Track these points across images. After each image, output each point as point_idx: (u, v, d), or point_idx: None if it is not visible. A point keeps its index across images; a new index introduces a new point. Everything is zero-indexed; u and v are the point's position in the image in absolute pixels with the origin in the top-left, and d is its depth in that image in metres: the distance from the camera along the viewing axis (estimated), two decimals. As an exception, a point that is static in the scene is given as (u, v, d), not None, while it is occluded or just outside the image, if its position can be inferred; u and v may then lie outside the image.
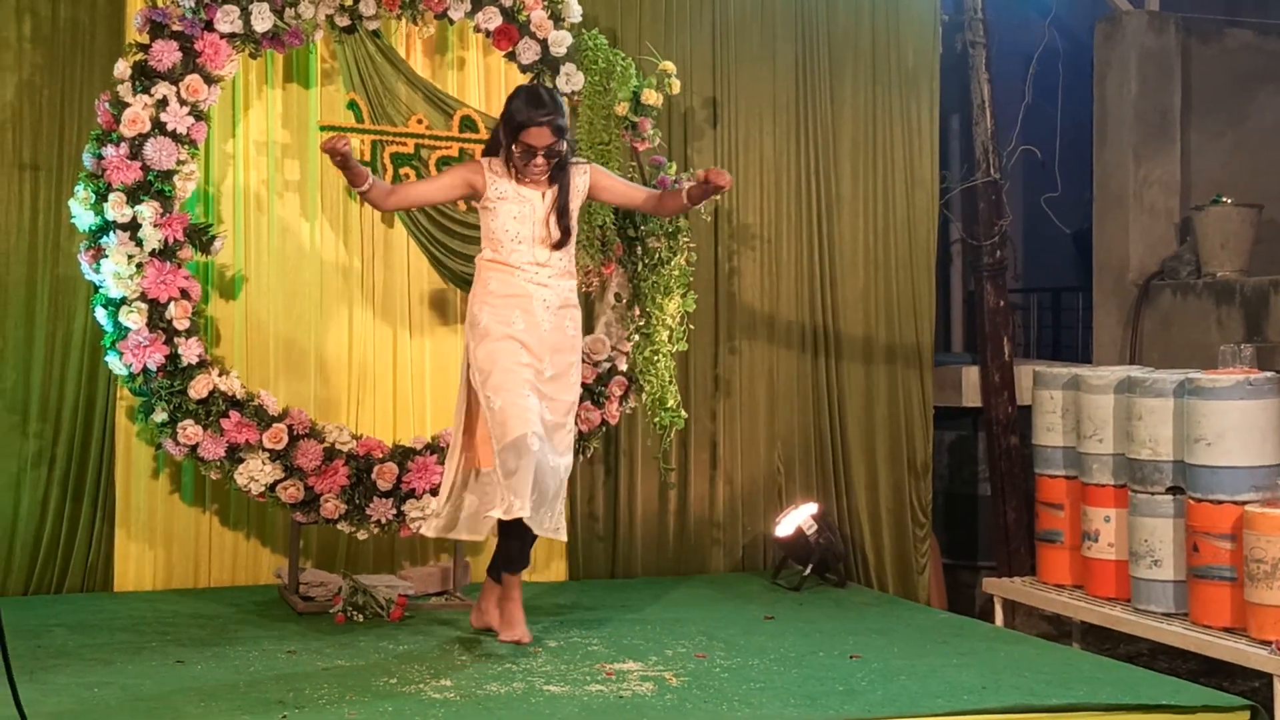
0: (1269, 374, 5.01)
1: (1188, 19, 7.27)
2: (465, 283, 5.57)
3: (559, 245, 4.61)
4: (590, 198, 4.81)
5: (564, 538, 4.65)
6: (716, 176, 4.64)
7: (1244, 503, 4.85)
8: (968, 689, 4.21)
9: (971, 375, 6.95)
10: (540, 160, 4.54)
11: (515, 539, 4.63)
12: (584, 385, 5.11)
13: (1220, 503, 4.91)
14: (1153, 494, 5.17)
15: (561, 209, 4.60)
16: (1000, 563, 6.76)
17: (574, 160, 4.74)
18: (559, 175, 4.63)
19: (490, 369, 4.51)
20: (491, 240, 4.63)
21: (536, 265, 4.58)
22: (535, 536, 4.58)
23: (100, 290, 5.02)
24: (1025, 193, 8.06)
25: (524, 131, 4.51)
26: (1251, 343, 5.83)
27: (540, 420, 4.48)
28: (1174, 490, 5.13)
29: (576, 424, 4.94)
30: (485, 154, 4.74)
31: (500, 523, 4.54)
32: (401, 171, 5.42)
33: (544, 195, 4.60)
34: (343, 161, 4.48)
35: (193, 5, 5.04)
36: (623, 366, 5.53)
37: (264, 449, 5.13)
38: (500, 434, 4.44)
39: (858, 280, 6.38)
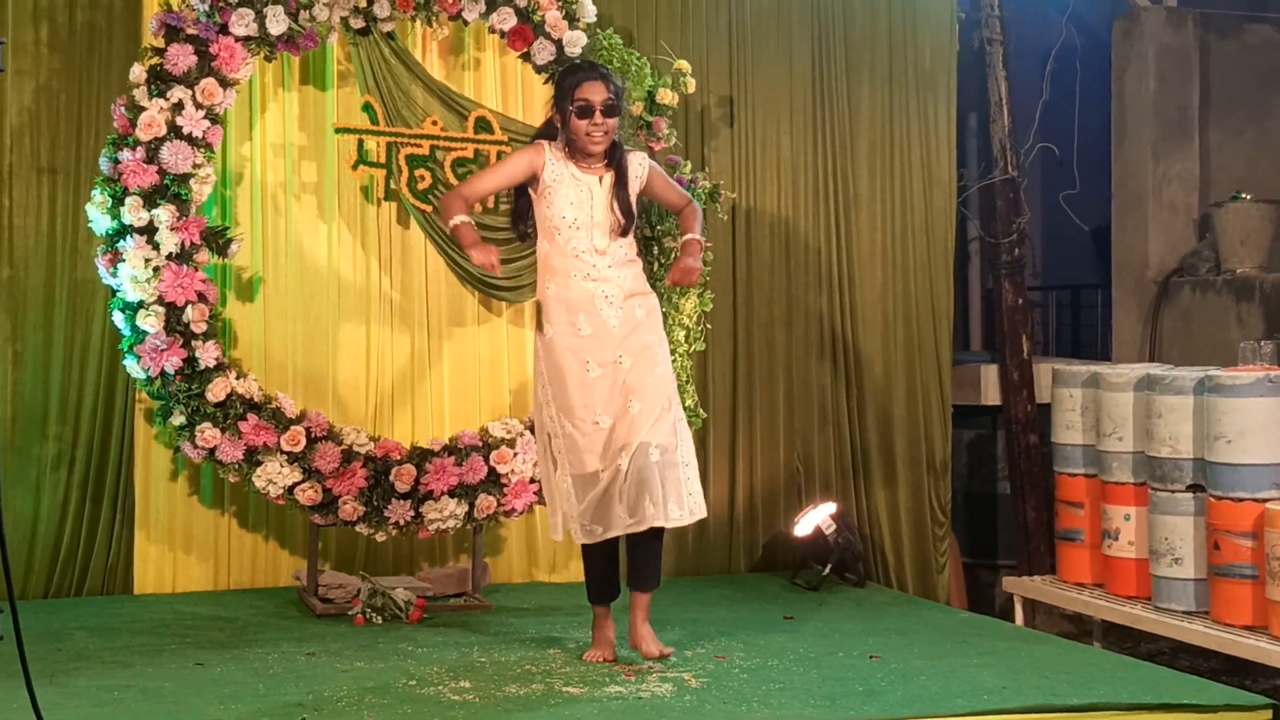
0: (1290, 371, 4.99)
1: (1206, 15, 7.23)
2: (483, 284, 5.59)
3: (623, 232, 4.44)
4: (642, 193, 4.60)
5: (699, 515, 4.38)
6: (685, 276, 4.49)
7: (1265, 500, 4.82)
8: (988, 689, 4.18)
9: (990, 373, 6.92)
10: (599, 119, 4.36)
11: (638, 552, 4.41)
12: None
13: (1241, 500, 4.88)
14: (1173, 492, 5.14)
15: (621, 196, 4.43)
16: (1020, 561, 6.73)
17: (629, 149, 4.59)
18: (614, 157, 4.46)
19: (557, 387, 4.37)
20: (547, 229, 4.43)
21: (595, 253, 4.39)
22: (657, 549, 4.40)
23: (117, 294, 5.03)
24: (1044, 190, 8.03)
25: (579, 88, 4.37)
26: (1272, 339, 5.79)
27: (619, 434, 4.27)
28: (1194, 488, 5.10)
29: None
30: (538, 138, 4.59)
31: (627, 536, 4.35)
32: (417, 173, 5.42)
33: (600, 180, 4.43)
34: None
35: (207, 9, 5.05)
36: (640, 367, 5.51)
37: (282, 451, 5.14)
38: (574, 461, 4.33)
39: (876, 279, 6.36)
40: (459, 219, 4.38)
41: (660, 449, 4.30)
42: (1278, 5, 7.57)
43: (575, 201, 4.40)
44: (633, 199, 4.49)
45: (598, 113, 4.36)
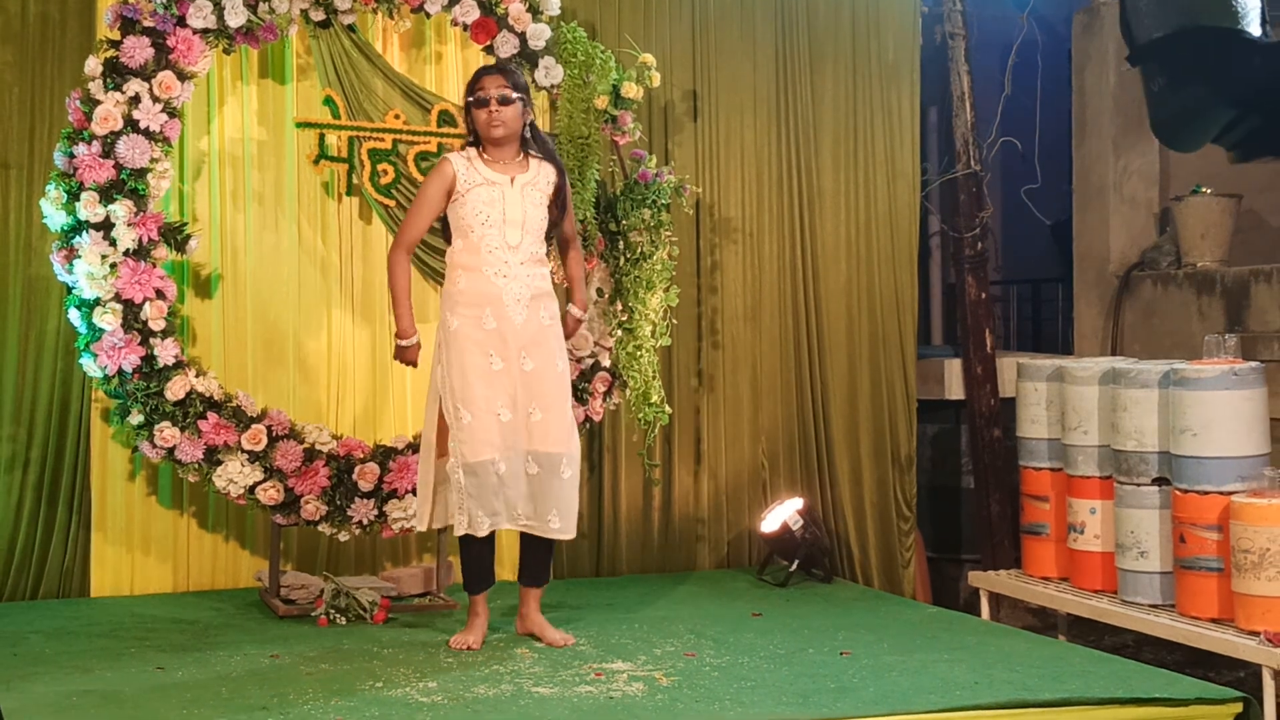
0: (1253, 364, 5.01)
1: (1166, 9, 7.25)
2: (444, 279, 5.52)
3: (540, 232, 4.62)
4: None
5: (567, 536, 4.66)
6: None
7: (1230, 493, 4.83)
8: (960, 685, 4.18)
9: (954, 368, 6.92)
10: (495, 107, 4.55)
11: (536, 553, 4.75)
12: (567, 382, 5.04)
13: (1206, 493, 4.89)
14: (1138, 485, 5.15)
15: (535, 197, 4.61)
16: (984, 556, 6.74)
17: (543, 159, 4.70)
18: (528, 151, 4.65)
19: (460, 380, 4.52)
20: (461, 228, 4.59)
21: (507, 248, 4.56)
22: (551, 550, 4.77)
23: (73, 291, 4.94)
24: (1005, 185, 8.04)
25: (478, 82, 4.60)
26: (1233, 332, 5.82)
27: (520, 433, 4.55)
28: (1160, 481, 5.11)
29: None
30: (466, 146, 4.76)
31: (521, 535, 4.70)
32: (379, 167, 5.36)
33: (513, 180, 4.60)
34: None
35: (165, 0, 4.96)
36: (605, 362, 5.49)
37: (243, 450, 5.07)
38: (469, 452, 4.48)
39: (840, 273, 6.35)
40: (410, 342, 4.68)
41: (570, 463, 4.60)
42: None
43: (488, 200, 4.57)
44: (545, 201, 4.65)
45: (493, 102, 4.55)
